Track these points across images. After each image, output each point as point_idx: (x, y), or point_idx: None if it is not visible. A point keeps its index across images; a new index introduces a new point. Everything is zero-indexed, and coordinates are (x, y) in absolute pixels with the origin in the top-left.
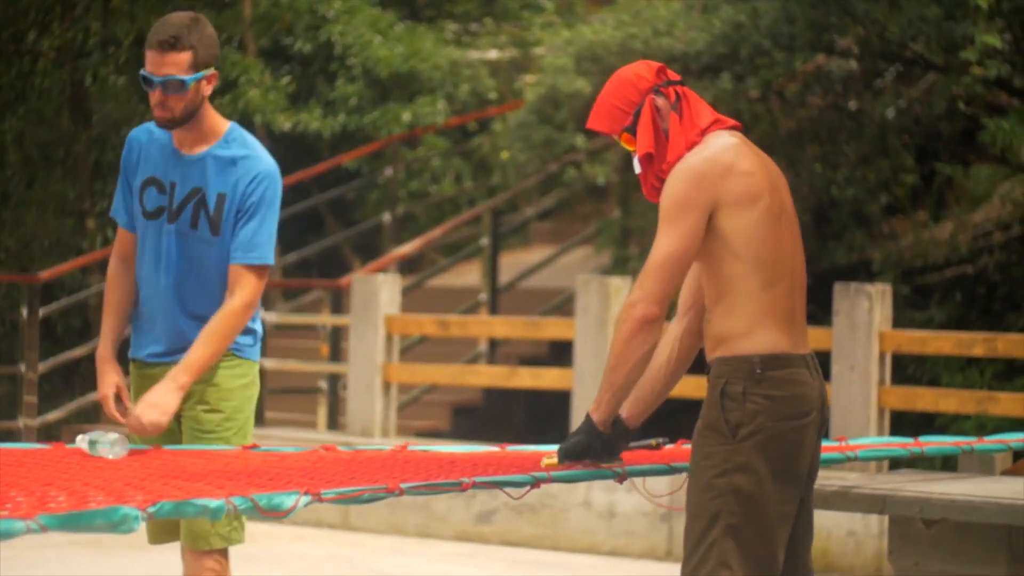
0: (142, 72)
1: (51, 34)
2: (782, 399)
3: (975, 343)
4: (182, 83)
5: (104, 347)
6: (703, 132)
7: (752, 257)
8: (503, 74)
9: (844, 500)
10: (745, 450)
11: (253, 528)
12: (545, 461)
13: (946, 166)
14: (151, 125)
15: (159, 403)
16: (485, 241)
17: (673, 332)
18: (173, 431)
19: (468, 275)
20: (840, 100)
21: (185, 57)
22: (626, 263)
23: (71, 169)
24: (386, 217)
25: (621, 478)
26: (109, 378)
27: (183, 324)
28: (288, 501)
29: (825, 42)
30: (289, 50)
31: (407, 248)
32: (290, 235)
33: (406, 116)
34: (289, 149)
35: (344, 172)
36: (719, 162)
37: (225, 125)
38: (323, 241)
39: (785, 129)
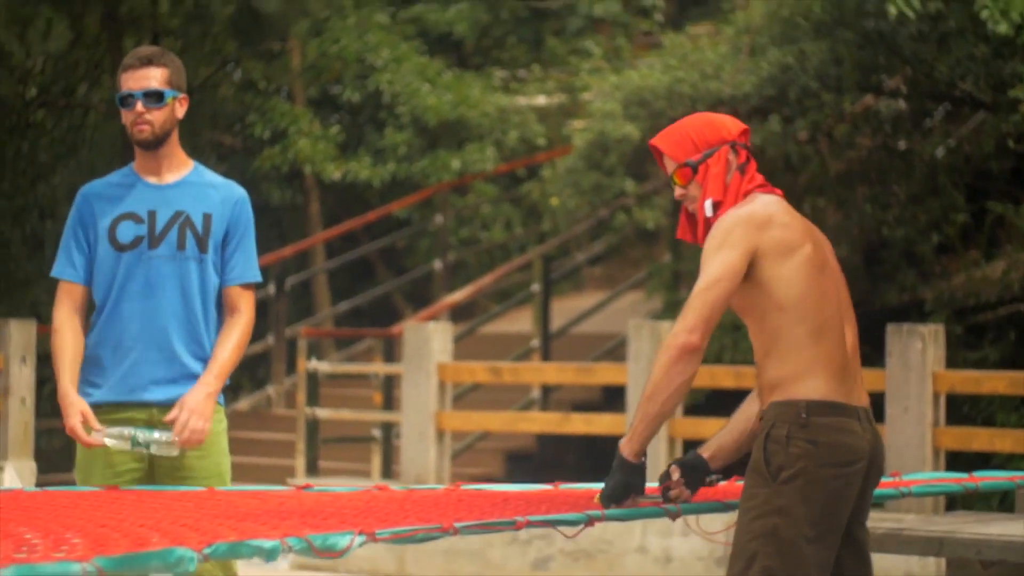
0: (121, 93)
1: (101, 87)
2: (826, 445)
3: None
4: (161, 94)
5: (66, 385)
6: (749, 193)
7: (795, 305)
8: (551, 120)
9: (900, 543)
10: (785, 493)
11: None
12: (598, 498)
13: (997, 204)
14: (103, 180)
15: (201, 409)
16: (536, 287)
17: None
18: (145, 469)
19: (520, 321)
20: (889, 140)
21: (162, 72)
22: (677, 307)
23: None
24: (437, 264)
25: (675, 515)
26: (74, 408)
27: (178, 347)
28: (343, 541)
29: (873, 83)
30: (338, 99)
31: (458, 295)
32: (341, 284)
33: (455, 163)
34: (339, 198)
35: (394, 220)
36: (758, 213)
37: (190, 161)
38: (374, 290)
39: (834, 170)
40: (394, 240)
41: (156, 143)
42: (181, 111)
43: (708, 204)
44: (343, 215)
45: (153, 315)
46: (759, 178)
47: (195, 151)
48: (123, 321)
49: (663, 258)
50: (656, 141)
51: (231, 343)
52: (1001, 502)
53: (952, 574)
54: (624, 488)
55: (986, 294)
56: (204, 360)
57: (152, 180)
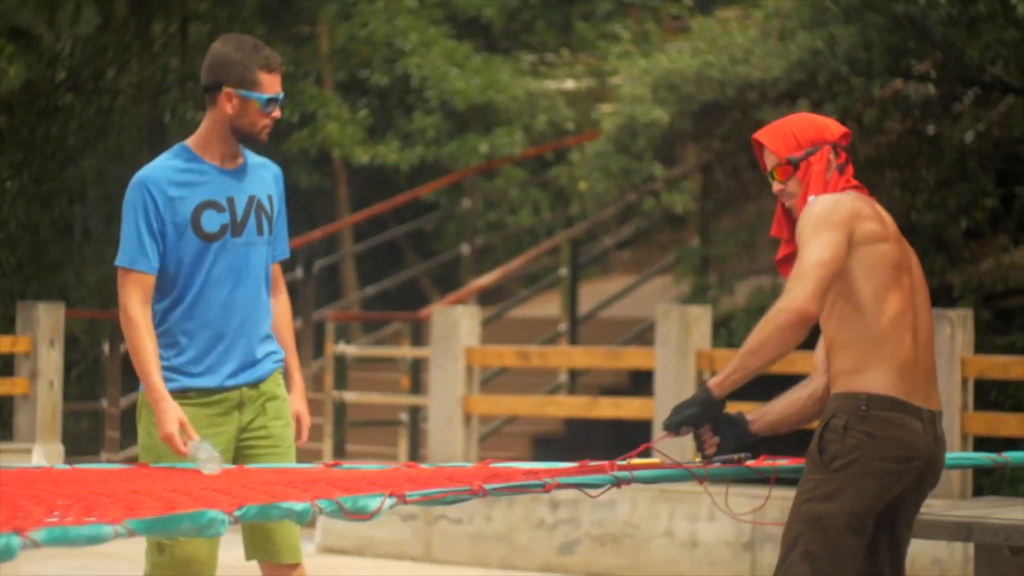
0: (269, 96)
1: (130, 71)
2: (883, 439)
3: None
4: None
5: (159, 386)
6: (844, 191)
7: (869, 299)
8: (580, 104)
9: (929, 528)
10: (835, 481)
11: (335, 561)
12: (629, 461)
13: None
14: (165, 166)
15: (304, 404)
16: (564, 271)
17: (822, 379)
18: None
19: (547, 305)
20: (918, 125)
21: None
22: (705, 291)
23: None
24: (465, 248)
25: (702, 479)
26: (172, 415)
27: (254, 335)
28: (373, 503)
29: (903, 67)
30: (366, 83)
31: (486, 279)
32: (369, 268)
33: (483, 147)
34: (367, 182)
35: (422, 204)
36: (851, 204)
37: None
38: (402, 273)
39: (863, 155)
40: (422, 224)
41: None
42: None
43: (811, 200)
44: (371, 199)
45: (241, 302)
46: (854, 181)
47: None
48: (212, 309)
49: (691, 243)
50: (759, 135)
51: (290, 325)
52: None
53: (980, 559)
54: (697, 418)
55: (1015, 279)
56: (272, 338)
57: (219, 164)
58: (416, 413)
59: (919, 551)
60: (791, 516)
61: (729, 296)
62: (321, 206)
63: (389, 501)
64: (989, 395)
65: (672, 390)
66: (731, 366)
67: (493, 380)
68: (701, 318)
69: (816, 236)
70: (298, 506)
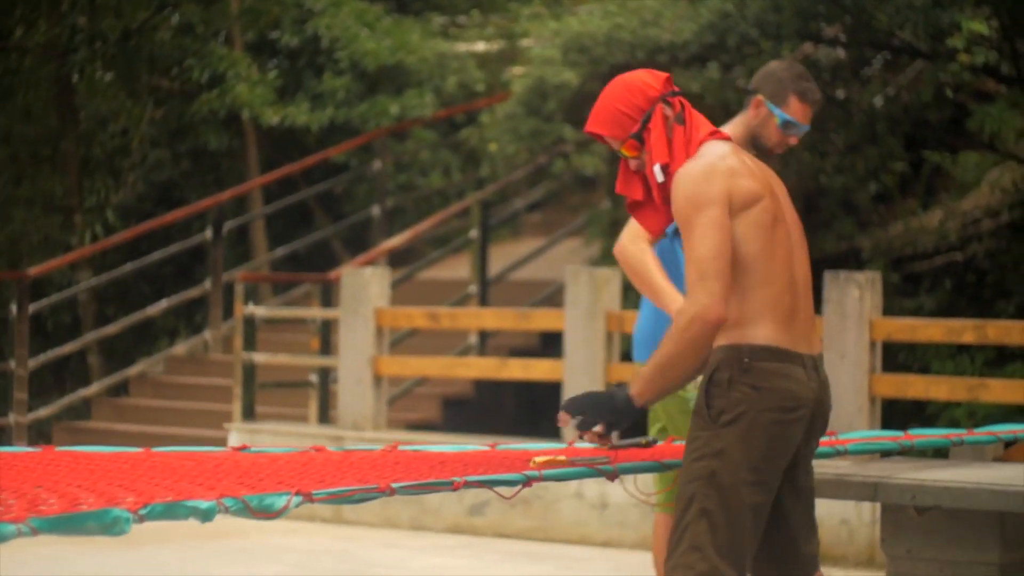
0: (791, 119)
1: (38, 30)
2: (768, 390)
3: (965, 330)
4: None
5: None
6: (701, 143)
7: (747, 260)
8: (490, 66)
9: (836, 488)
10: (724, 436)
11: (246, 524)
12: (536, 460)
13: (934, 154)
14: None
15: None
16: (474, 233)
17: None
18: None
19: (458, 267)
20: (828, 89)
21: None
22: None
23: (59, 166)
24: (375, 210)
25: (612, 476)
26: None
27: None
28: (279, 502)
29: (812, 31)
30: (276, 44)
31: (396, 241)
32: (279, 229)
33: (394, 109)
34: (277, 143)
35: (332, 166)
36: (720, 166)
37: None
38: (312, 235)
39: None
40: (332, 186)
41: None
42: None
43: (657, 169)
44: (281, 160)
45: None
46: (705, 124)
47: (132, 95)
48: None
49: (601, 205)
50: (592, 128)
51: None
52: (936, 450)
53: (887, 519)
54: (613, 425)
55: (923, 243)
56: None
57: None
58: (326, 375)
59: (826, 512)
60: (683, 475)
61: None
62: (230, 167)
63: (296, 500)
64: (897, 357)
65: (581, 352)
66: (649, 375)
67: (403, 342)
68: (611, 280)
69: (698, 218)
70: (203, 504)
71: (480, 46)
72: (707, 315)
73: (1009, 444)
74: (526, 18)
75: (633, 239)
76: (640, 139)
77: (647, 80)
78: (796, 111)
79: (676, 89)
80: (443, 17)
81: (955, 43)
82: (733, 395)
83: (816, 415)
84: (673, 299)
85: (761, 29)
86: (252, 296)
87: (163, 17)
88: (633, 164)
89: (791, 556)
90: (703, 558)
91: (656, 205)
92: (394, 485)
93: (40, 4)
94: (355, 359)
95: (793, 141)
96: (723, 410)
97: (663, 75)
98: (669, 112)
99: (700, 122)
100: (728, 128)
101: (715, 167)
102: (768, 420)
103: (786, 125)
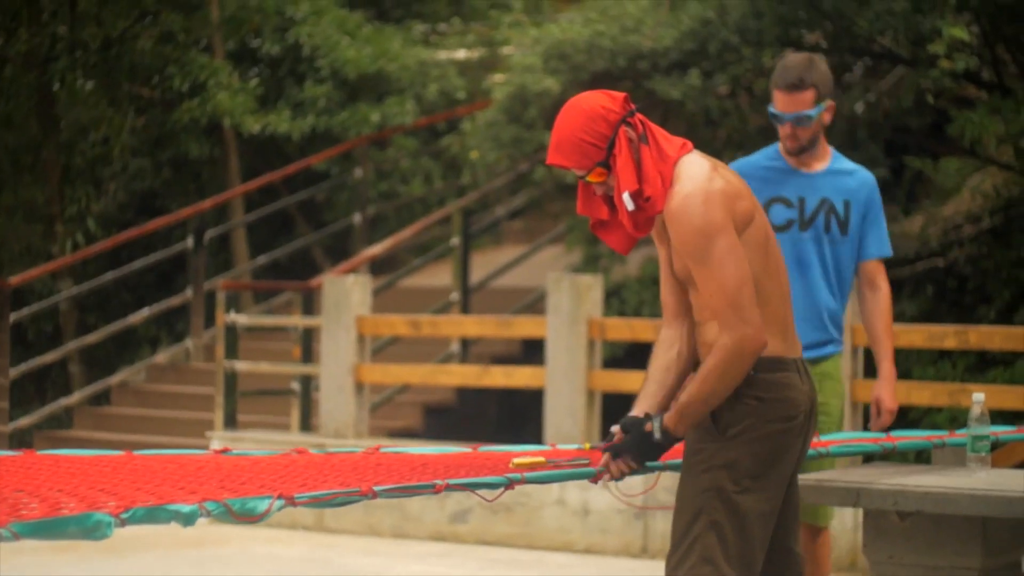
0: (772, 110)
1: (18, 39)
2: (771, 401)
3: (947, 336)
4: (808, 117)
5: None
6: (675, 162)
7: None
8: (471, 73)
9: (818, 493)
10: (732, 448)
11: (227, 531)
12: (516, 461)
13: (915, 160)
14: (752, 162)
15: (892, 399)
16: (456, 241)
17: (676, 332)
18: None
19: (439, 275)
20: None
21: (811, 94)
22: (596, 261)
23: (40, 174)
24: (356, 218)
25: (595, 478)
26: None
27: (825, 315)
28: (261, 505)
29: (793, 37)
30: (257, 52)
31: (378, 249)
32: (260, 237)
33: (375, 117)
34: (258, 151)
35: (313, 174)
36: (713, 190)
37: (830, 149)
38: (293, 243)
39: (754, 125)
40: (313, 194)
41: (802, 151)
42: (829, 116)
43: (626, 197)
44: (262, 168)
45: (807, 289)
46: (670, 138)
47: (113, 104)
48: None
49: None
50: (555, 160)
51: (888, 316)
52: (918, 455)
53: (869, 524)
54: (651, 456)
55: (904, 249)
56: (838, 326)
57: (800, 168)
58: (308, 383)
59: None
60: (690, 487)
61: (621, 265)
62: (212, 176)
63: (278, 503)
64: None
65: (564, 359)
66: (693, 411)
67: (385, 350)
68: (592, 287)
69: (713, 248)
70: (185, 508)
71: (461, 54)
72: (753, 345)
73: (992, 447)
74: (507, 26)
75: None
76: (607, 166)
77: (606, 104)
78: (777, 101)
79: (634, 108)
80: (424, 25)
81: (936, 49)
82: (739, 408)
83: (811, 417)
84: None
85: (742, 36)
86: (234, 304)
87: (144, 26)
88: (599, 190)
89: (783, 557)
90: (715, 570)
91: (620, 223)
92: (376, 488)
93: (21, 13)
94: (337, 367)
95: (798, 132)
96: (730, 423)
97: (620, 95)
98: (632, 134)
99: (664, 137)
100: None
101: (710, 192)
102: (773, 431)
103: (773, 118)
